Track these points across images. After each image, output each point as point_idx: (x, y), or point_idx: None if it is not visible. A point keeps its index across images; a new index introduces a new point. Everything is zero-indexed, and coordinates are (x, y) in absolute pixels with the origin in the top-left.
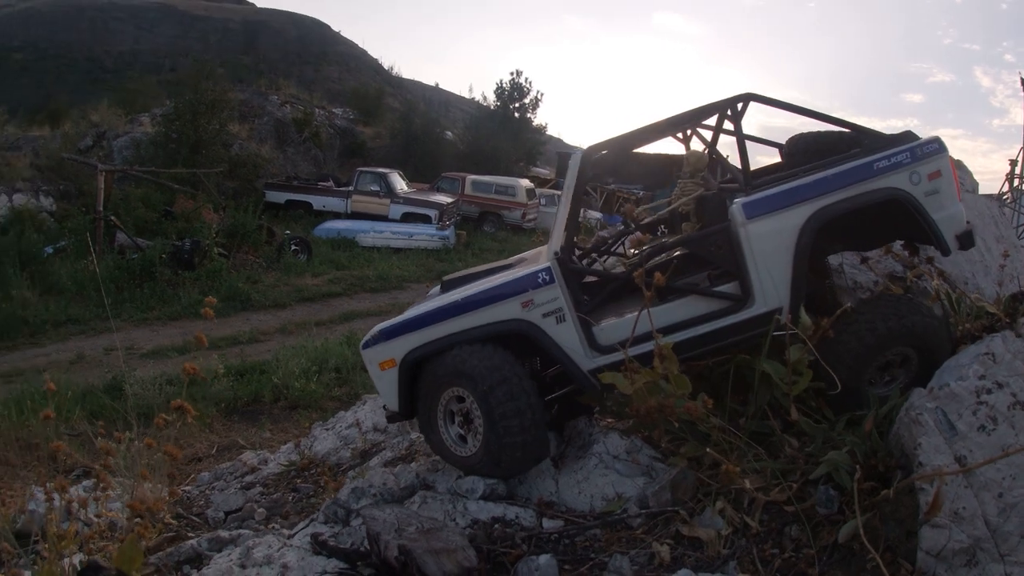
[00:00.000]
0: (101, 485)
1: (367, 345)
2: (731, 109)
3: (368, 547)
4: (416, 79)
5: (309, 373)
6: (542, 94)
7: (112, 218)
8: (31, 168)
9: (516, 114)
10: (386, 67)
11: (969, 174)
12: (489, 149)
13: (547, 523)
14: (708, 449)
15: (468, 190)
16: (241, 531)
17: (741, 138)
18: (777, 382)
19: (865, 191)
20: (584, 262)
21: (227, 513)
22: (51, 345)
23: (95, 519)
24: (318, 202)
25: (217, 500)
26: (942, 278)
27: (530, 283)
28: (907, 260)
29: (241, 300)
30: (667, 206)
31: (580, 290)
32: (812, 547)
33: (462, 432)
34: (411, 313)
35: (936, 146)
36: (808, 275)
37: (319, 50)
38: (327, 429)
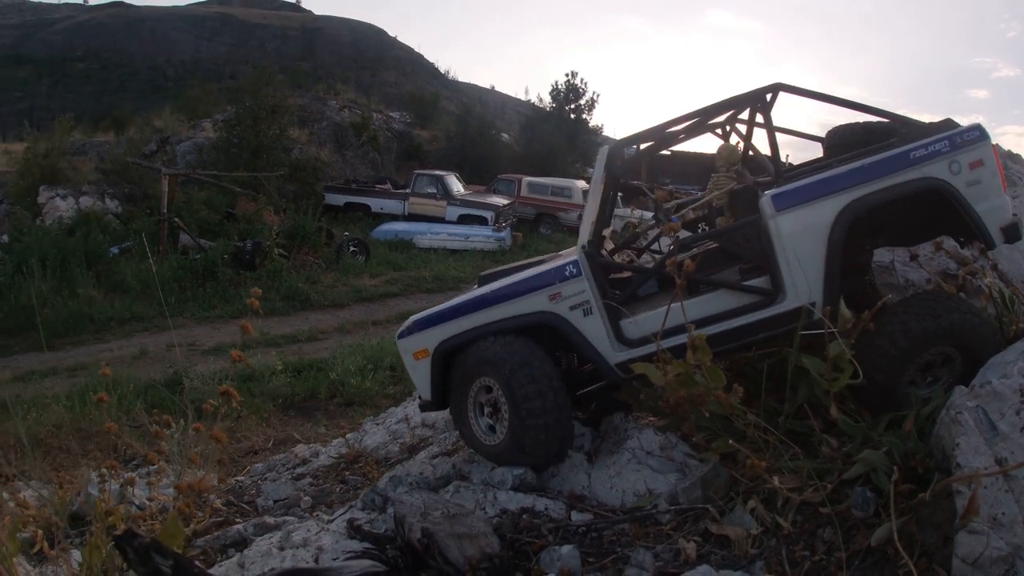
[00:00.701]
0: (154, 468)
1: (402, 335)
2: (760, 100)
3: (396, 530)
4: (472, 82)
5: (365, 371)
6: (598, 95)
7: (176, 220)
8: (96, 172)
9: (572, 115)
10: (442, 71)
11: None
12: (545, 151)
13: (576, 516)
14: (740, 446)
15: (524, 192)
16: (286, 518)
17: (772, 129)
18: (816, 378)
19: (902, 181)
20: (617, 257)
21: (276, 501)
22: (115, 341)
23: (148, 502)
24: (376, 204)
25: (267, 489)
26: (997, 275)
27: (558, 276)
28: (960, 257)
29: (300, 300)
30: (700, 201)
31: (609, 284)
32: (844, 550)
33: (491, 422)
34: (445, 305)
35: (978, 133)
36: (845, 270)
37: (376, 55)
38: (377, 424)
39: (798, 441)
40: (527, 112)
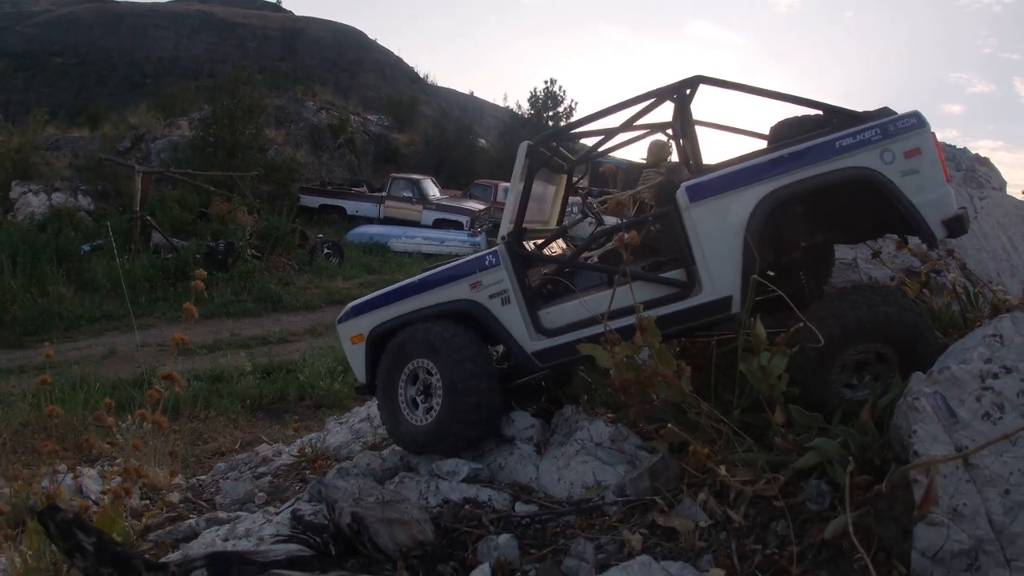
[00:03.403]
0: (106, 463)
1: (341, 320)
2: (678, 93)
3: (327, 516)
4: (451, 87)
5: (335, 373)
6: (576, 103)
7: (148, 218)
8: (70, 168)
9: (550, 122)
10: (421, 75)
11: (996, 172)
12: None
13: (520, 507)
14: (687, 435)
15: (500, 197)
16: (239, 513)
17: (690, 122)
18: (756, 384)
19: (825, 171)
20: (547, 249)
21: (234, 500)
22: (84, 340)
23: (102, 496)
24: (351, 207)
25: (227, 488)
26: (964, 273)
27: (478, 265)
28: (923, 255)
29: (272, 301)
30: (628, 194)
31: (529, 275)
32: (797, 544)
33: (422, 404)
34: (379, 292)
35: (914, 120)
36: (777, 266)
37: (355, 57)
38: (341, 423)
39: (752, 433)
40: (505, 118)
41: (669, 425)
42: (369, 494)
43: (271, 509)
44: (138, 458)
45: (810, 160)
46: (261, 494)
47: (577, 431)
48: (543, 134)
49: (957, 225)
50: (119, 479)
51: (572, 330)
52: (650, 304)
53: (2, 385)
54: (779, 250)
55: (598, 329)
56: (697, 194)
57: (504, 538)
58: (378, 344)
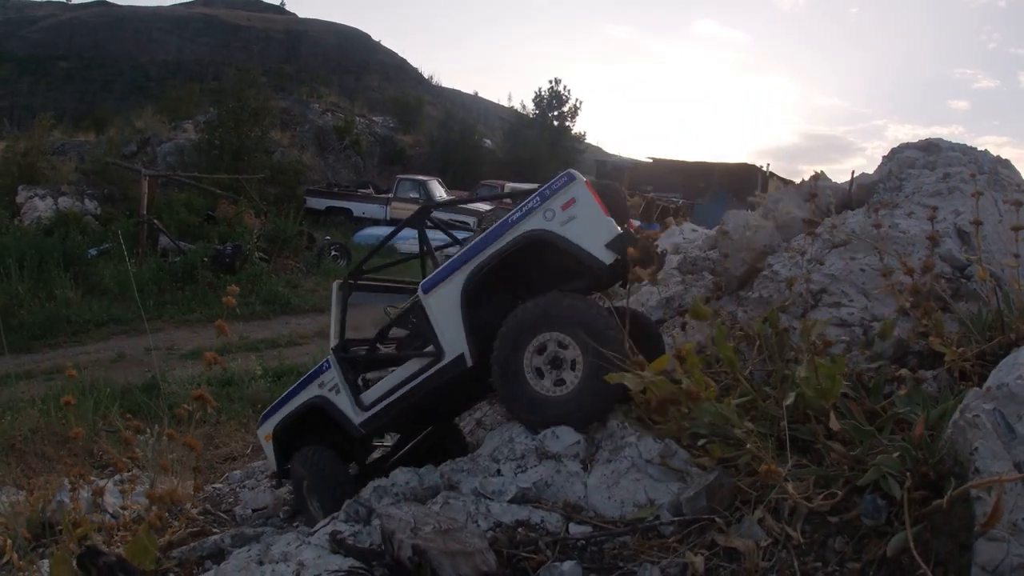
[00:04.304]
0: (126, 476)
1: (258, 425)
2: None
3: (383, 546)
4: (455, 88)
5: None
6: (581, 102)
7: (155, 222)
8: (76, 172)
9: (555, 122)
10: (426, 76)
11: (1017, 173)
12: (527, 157)
13: (574, 528)
14: (755, 452)
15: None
16: (265, 528)
17: (427, 243)
18: (809, 392)
19: (506, 243)
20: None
21: (254, 510)
22: (92, 344)
23: (121, 511)
24: (358, 209)
25: (246, 498)
26: (991, 278)
27: (320, 370)
28: (956, 261)
29: (281, 304)
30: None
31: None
32: (857, 560)
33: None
34: (274, 401)
35: (566, 179)
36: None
37: (360, 59)
38: None
39: (798, 447)
40: (510, 119)
41: (717, 443)
42: (425, 522)
43: (305, 529)
44: (164, 480)
45: (493, 239)
46: (286, 507)
47: (625, 447)
48: (348, 272)
49: (618, 243)
50: (152, 506)
51: (380, 402)
52: (421, 371)
53: (10, 391)
54: (499, 309)
55: (396, 397)
56: (428, 285)
57: (568, 566)
58: (283, 440)
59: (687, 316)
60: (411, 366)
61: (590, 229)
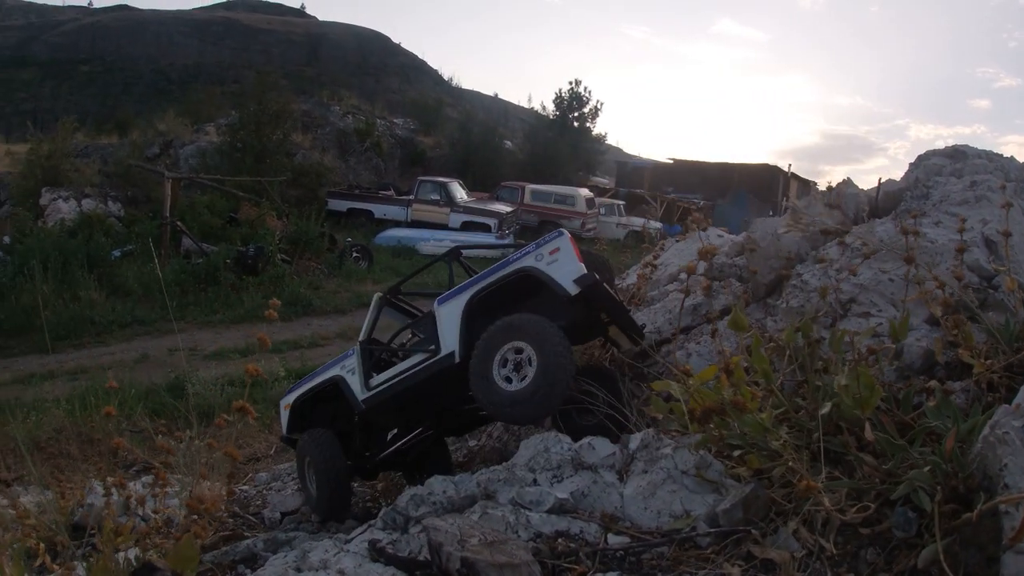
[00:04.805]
0: (160, 482)
1: (283, 397)
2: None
3: (428, 557)
4: (475, 89)
5: None
6: (601, 103)
7: (178, 224)
8: (99, 175)
9: (575, 123)
10: (445, 78)
11: None
12: (548, 158)
13: (612, 539)
14: (794, 465)
15: (527, 199)
16: (297, 533)
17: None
18: (846, 401)
19: (504, 274)
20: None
21: (283, 514)
22: (116, 345)
23: (153, 515)
24: (379, 210)
25: (274, 501)
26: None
27: (345, 356)
28: (983, 271)
29: (303, 305)
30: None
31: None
32: (888, 571)
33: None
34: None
35: (556, 234)
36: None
37: (380, 61)
38: None
39: (830, 458)
40: (530, 120)
41: (754, 454)
42: (471, 535)
43: (339, 534)
44: (200, 487)
45: (496, 271)
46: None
47: (660, 459)
48: (390, 287)
49: (583, 280)
50: (192, 515)
51: (383, 384)
52: (421, 362)
53: (35, 390)
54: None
55: (396, 380)
56: (442, 300)
57: None
58: (299, 412)
59: (714, 322)
60: (413, 359)
61: (564, 269)
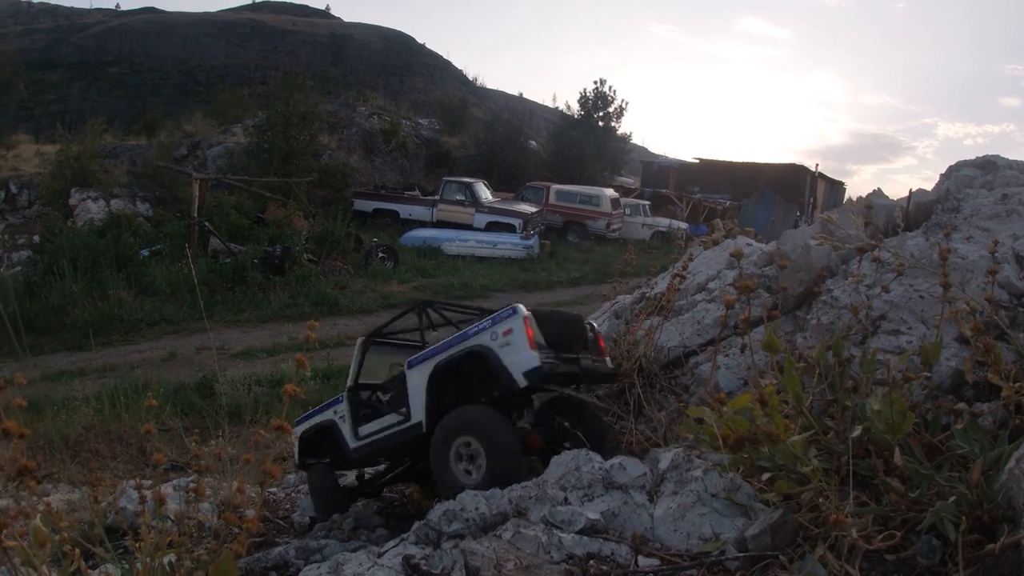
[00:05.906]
0: (194, 486)
1: (293, 426)
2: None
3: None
4: (500, 89)
5: None
6: (626, 103)
7: (206, 224)
8: (128, 175)
9: (600, 123)
10: (470, 78)
11: None
12: (573, 158)
13: (642, 561)
14: (822, 492)
15: (552, 199)
16: (328, 540)
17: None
18: (878, 425)
19: (461, 349)
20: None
21: (312, 519)
22: (145, 343)
23: (186, 520)
24: (404, 211)
25: (303, 505)
26: None
27: (336, 402)
28: (1015, 288)
29: (329, 305)
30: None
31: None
32: None
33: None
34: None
35: (509, 312)
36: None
37: (405, 62)
38: None
39: (857, 482)
40: (555, 120)
41: (784, 479)
42: (506, 558)
43: (371, 546)
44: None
45: (455, 343)
46: (348, 520)
47: (691, 481)
48: (369, 333)
49: (533, 373)
50: (232, 528)
51: (368, 437)
52: (394, 425)
53: (64, 388)
54: (456, 395)
55: (378, 438)
56: (411, 364)
57: None
58: (305, 443)
59: (744, 335)
60: (391, 418)
61: (515, 357)
